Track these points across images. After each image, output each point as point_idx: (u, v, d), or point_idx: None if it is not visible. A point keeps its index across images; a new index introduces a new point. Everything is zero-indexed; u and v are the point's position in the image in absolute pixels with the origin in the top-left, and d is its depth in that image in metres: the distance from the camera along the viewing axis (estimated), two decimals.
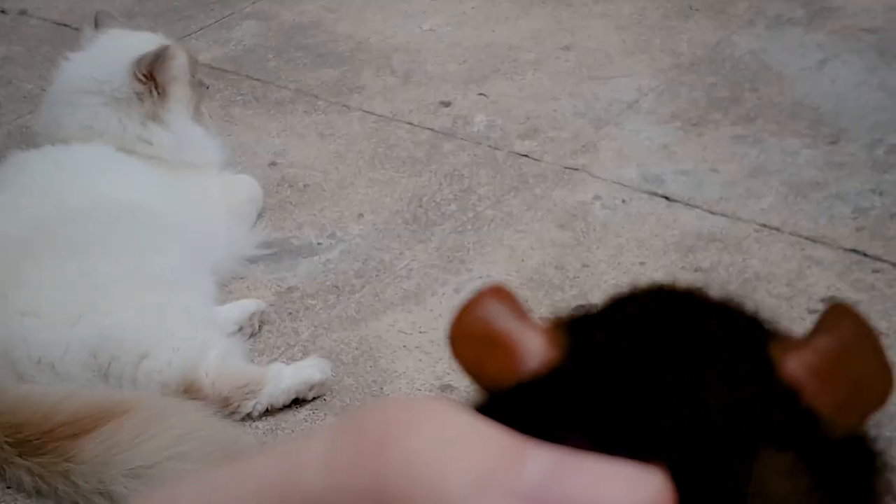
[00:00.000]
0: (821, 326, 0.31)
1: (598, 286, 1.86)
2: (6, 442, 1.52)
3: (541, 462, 0.23)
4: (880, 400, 0.30)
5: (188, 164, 2.03)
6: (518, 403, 0.27)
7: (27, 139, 2.38)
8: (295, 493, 0.24)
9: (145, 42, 2.04)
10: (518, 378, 0.31)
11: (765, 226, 1.99)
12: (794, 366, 0.30)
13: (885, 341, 1.61)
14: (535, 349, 0.31)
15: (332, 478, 0.24)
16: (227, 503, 0.25)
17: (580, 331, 0.32)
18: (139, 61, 1.96)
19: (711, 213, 2.04)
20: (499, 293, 0.32)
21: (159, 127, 1.99)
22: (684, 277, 1.86)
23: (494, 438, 0.24)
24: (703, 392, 0.29)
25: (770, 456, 0.28)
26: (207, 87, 2.19)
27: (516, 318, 0.32)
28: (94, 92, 1.98)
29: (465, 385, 0.36)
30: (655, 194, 2.11)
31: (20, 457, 1.52)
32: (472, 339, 0.32)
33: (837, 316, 0.31)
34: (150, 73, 1.97)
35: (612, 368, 0.30)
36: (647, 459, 0.25)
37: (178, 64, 2.02)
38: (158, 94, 1.98)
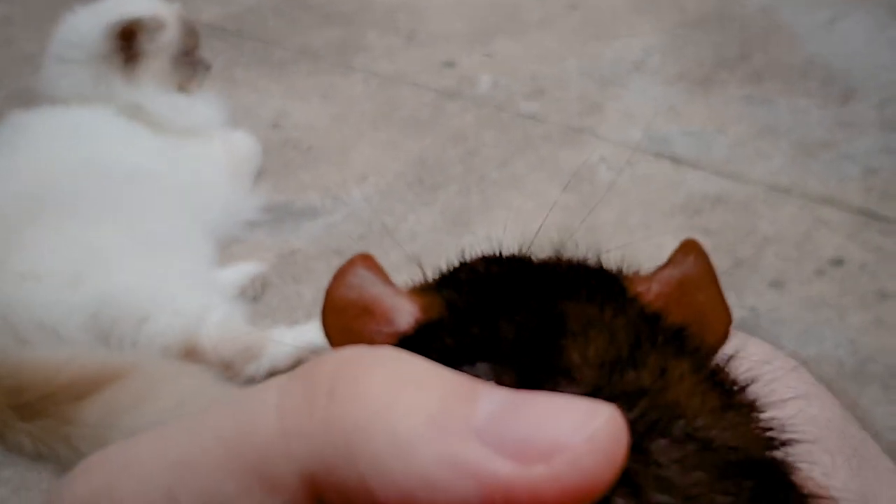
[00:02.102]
0: (669, 261, 0.34)
1: (604, 248, 1.84)
2: (7, 405, 1.51)
3: (493, 399, 0.23)
4: (719, 333, 0.32)
5: (186, 127, 2.01)
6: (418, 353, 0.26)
7: (28, 101, 2.36)
8: (249, 441, 0.24)
9: (145, 5, 2.01)
10: (396, 337, 0.32)
11: (773, 187, 1.97)
12: (645, 292, 0.33)
13: (893, 302, 1.59)
14: (406, 309, 0.32)
15: (284, 423, 0.23)
16: (180, 455, 0.24)
17: (445, 286, 0.34)
18: (116, 24, 1.93)
19: (719, 174, 2.02)
20: (365, 261, 0.34)
21: (136, 92, 1.96)
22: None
23: (446, 378, 0.24)
24: (582, 316, 0.30)
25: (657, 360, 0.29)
26: (209, 68, 2.10)
27: (384, 283, 0.33)
28: (77, 50, 1.96)
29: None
30: (662, 156, 2.08)
31: (21, 420, 1.51)
32: (345, 308, 0.32)
33: (685, 252, 0.34)
34: (125, 40, 1.93)
35: (489, 308, 0.32)
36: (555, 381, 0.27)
37: (161, 37, 1.97)
38: (130, 61, 1.95)
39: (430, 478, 0.22)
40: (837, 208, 1.90)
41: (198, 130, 2.02)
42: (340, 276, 0.33)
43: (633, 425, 0.24)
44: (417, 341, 0.31)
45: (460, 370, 0.25)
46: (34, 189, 1.71)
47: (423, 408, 0.23)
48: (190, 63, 2.04)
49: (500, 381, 0.25)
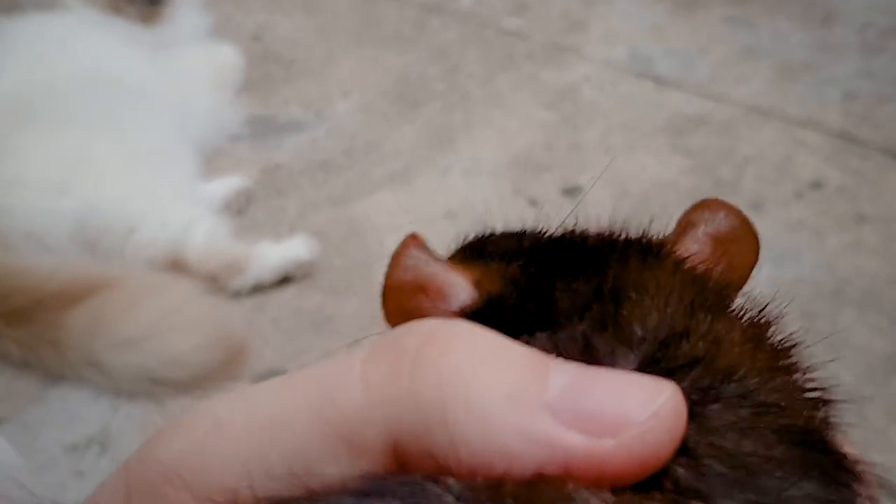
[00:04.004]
0: (694, 220, 0.36)
1: (586, 167, 1.86)
2: None
3: (564, 375, 0.25)
4: (746, 274, 0.36)
5: (168, 38, 1.99)
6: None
7: (10, 6, 2.33)
8: (334, 407, 0.25)
9: None
10: (456, 312, 0.33)
11: (754, 109, 1.98)
12: (685, 254, 0.35)
13: (871, 225, 1.62)
14: (460, 284, 0.34)
15: (369, 391, 0.25)
16: (270, 418, 0.26)
17: (489, 257, 0.36)
18: None
19: (701, 95, 2.03)
20: (416, 241, 0.34)
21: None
22: (674, 161, 1.86)
23: (521, 354, 0.26)
24: (637, 285, 0.32)
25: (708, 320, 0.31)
26: (156, 2, 1.99)
27: (435, 261, 0.34)
28: None
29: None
30: (645, 75, 2.09)
31: (8, 327, 1.52)
32: (403, 289, 0.34)
33: (712, 209, 0.36)
34: None
35: (542, 278, 0.34)
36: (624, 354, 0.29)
37: None
38: None
39: (507, 449, 0.24)
40: (817, 131, 1.92)
41: (180, 42, 2.00)
42: (396, 260, 0.34)
43: (689, 393, 0.26)
44: (480, 314, 0.33)
45: (523, 341, 0.26)
46: (21, 96, 1.70)
47: (500, 384, 0.24)
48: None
49: (562, 354, 0.27)
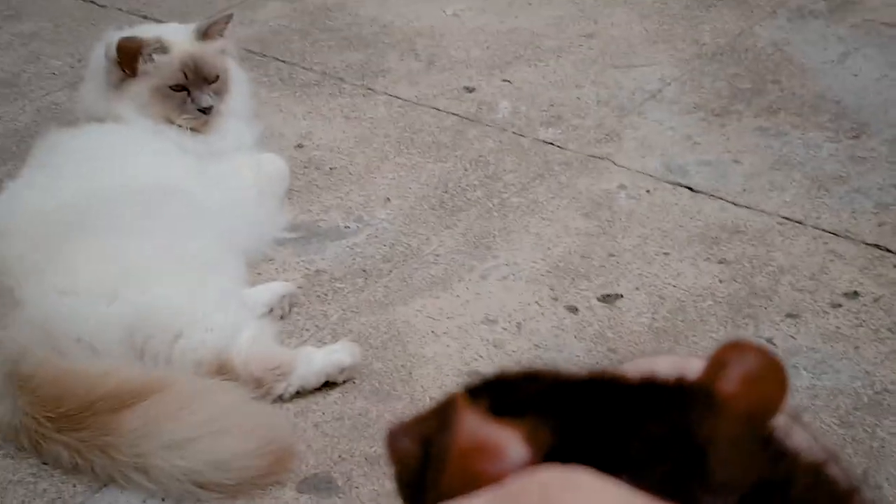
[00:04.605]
0: (724, 361, 0.38)
1: (623, 276, 1.89)
2: (45, 417, 1.55)
3: None
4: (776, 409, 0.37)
5: (217, 147, 2.05)
6: None
7: (57, 115, 2.40)
8: None
9: (171, 33, 2.06)
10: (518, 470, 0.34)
11: (788, 219, 2.02)
12: (727, 395, 0.37)
13: None
14: (514, 442, 0.34)
15: None
16: None
17: (525, 407, 0.36)
18: (113, 43, 1.98)
19: (735, 204, 2.06)
20: (464, 403, 0.35)
21: (119, 108, 1.99)
22: (709, 269, 1.88)
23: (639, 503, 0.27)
24: (708, 431, 0.35)
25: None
26: (206, 111, 2.01)
27: (486, 421, 0.34)
28: (95, 68, 2.03)
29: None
30: (679, 185, 2.13)
31: (59, 432, 1.55)
32: (463, 454, 0.34)
33: (740, 350, 0.38)
34: (123, 56, 1.97)
35: (601, 427, 0.35)
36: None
37: (160, 60, 1.99)
38: (127, 79, 1.99)
39: None
40: (851, 242, 1.94)
41: (228, 151, 2.06)
42: (451, 427, 0.34)
43: None
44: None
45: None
46: (72, 205, 1.75)
47: None
48: (179, 99, 2.01)
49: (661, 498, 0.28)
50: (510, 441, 0.33)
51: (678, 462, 0.32)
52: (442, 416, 0.35)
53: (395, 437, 0.38)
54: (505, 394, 0.38)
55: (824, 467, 0.35)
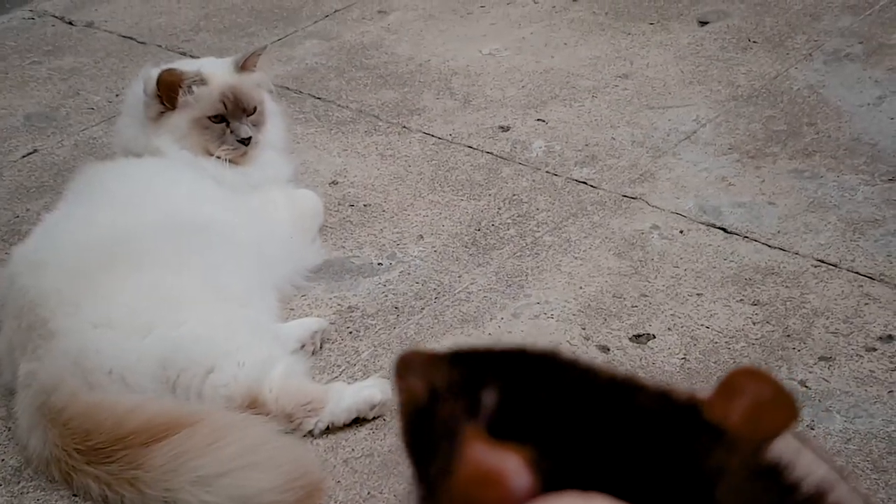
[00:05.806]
0: (733, 390, 0.39)
1: (656, 316, 1.88)
2: (76, 449, 1.56)
3: None
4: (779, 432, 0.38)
5: (253, 180, 2.07)
6: None
7: (94, 150, 2.43)
8: None
9: (201, 64, 2.09)
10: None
11: (822, 261, 2.00)
12: (736, 428, 0.38)
13: None
14: (517, 469, 0.35)
15: None
16: None
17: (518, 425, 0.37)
18: (152, 76, 2.00)
19: (769, 246, 2.06)
20: (476, 433, 0.36)
21: (155, 141, 2.01)
22: (743, 310, 1.87)
23: None
24: (716, 467, 0.35)
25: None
26: (245, 142, 2.04)
27: (491, 450, 0.35)
28: (133, 103, 2.06)
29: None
30: (713, 226, 2.12)
31: (88, 465, 1.55)
32: (474, 483, 0.35)
33: (749, 377, 0.39)
34: (164, 89, 2.00)
35: (597, 451, 0.36)
36: None
37: (199, 93, 2.02)
38: (165, 112, 2.02)
39: None
40: (886, 285, 1.93)
41: (264, 185, 2.08)
42: (455, 456, 0.35)
43: None
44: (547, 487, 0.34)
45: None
46: (108, 239, 1.77)
47: None
48: (219, 130, 2.04)
49: None
50: (514, 468, 0.34)
51: (687, 493, 0.33)
52: (447, 449, 0.36)
53: (405, 369, 0.40)
54: (511, 405, 0.39)
55: (827, 498, 0.35)
